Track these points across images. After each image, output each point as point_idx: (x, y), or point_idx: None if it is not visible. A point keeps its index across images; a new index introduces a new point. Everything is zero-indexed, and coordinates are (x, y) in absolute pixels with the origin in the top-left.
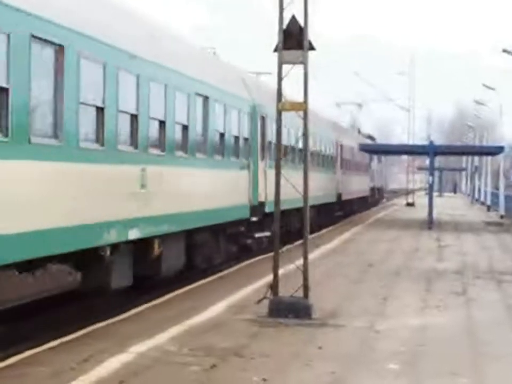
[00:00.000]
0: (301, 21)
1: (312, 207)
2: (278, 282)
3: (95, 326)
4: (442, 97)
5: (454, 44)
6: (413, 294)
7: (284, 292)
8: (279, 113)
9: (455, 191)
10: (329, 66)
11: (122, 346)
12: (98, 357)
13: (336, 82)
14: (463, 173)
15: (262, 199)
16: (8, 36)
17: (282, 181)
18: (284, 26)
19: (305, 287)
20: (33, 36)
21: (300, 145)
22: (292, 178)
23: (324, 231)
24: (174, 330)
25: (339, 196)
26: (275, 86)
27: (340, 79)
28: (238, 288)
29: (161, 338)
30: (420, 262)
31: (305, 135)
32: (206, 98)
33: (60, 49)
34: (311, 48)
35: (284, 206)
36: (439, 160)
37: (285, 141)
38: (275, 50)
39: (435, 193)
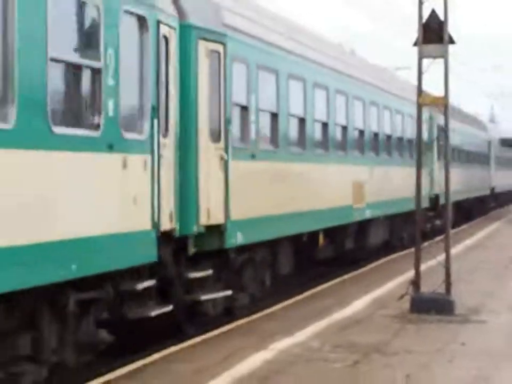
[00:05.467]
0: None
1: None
2: (420, 278)
3: (237, 322)
4: None
5: None
6: None
7: (425, 287)
8: (419, 108)
9: None
10: (470, 60)
11: (264, 343)
12: (241, 354)
13: (476, 76)
14: None
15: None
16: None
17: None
18: (424, 21)
19: (448, 283)
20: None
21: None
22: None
23: (464, 226)
24: (316, 327)
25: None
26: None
27: (479, 73)
28: (380, 284)
29: (304, 334)
30: None
31: (445, 130)
32: None
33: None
34: (451, 42)
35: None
36: None
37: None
38: (415, 44)
39: None
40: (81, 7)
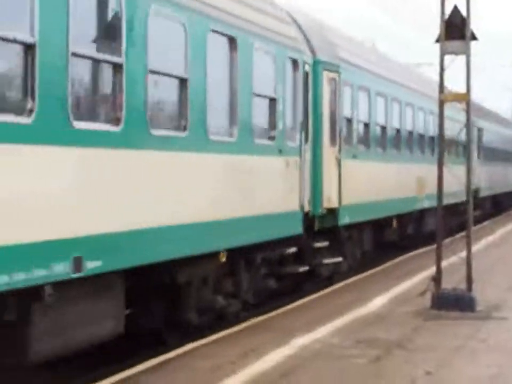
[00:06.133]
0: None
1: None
2: (441, 275)
3: (258, 318)
4: None
5: None
6: None
7: (447, 284)
8: (441, 104)
9: None
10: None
11: (284, 339)
12: (261, 350)
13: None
14: None
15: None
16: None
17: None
18: (446, 17)
19: (469, 280)
20: None
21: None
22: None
23: (486, 222)
24: (337, 323)
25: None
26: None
27: (500, 69)
28: (401, 281)
29: (324, 330)
30: None
31: (467, 126)
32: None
33: None
34: (473, 38)
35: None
36: None
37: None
38: (437, 41)
39: None
40: (266, 59)
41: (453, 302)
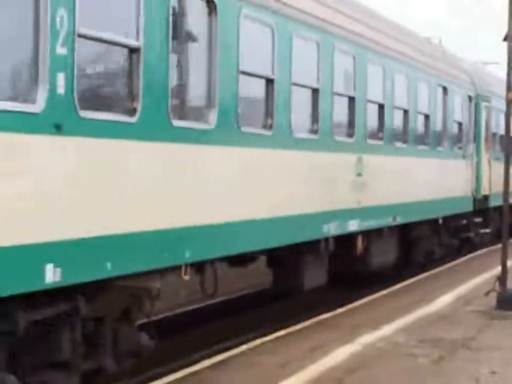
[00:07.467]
0: None
1: None
2: (507, 274)
3: (323, 316)
4: None
5: None
6: None
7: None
8: (508, 104)
9: None
10: None
11: (350, 337)
12: (326, 347)
13: None
14: None
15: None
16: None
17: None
18: None
19: None
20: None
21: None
22: None
23: None
24: (402, 321)
25: None
26: (501, 76)
27: None
28: (466, 280)
29: (389, 329)
30: None
31: None
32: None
33: None
34: None
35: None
36: None
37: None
38: (505, 39)
39: None
40: (458, 98)
41: None
